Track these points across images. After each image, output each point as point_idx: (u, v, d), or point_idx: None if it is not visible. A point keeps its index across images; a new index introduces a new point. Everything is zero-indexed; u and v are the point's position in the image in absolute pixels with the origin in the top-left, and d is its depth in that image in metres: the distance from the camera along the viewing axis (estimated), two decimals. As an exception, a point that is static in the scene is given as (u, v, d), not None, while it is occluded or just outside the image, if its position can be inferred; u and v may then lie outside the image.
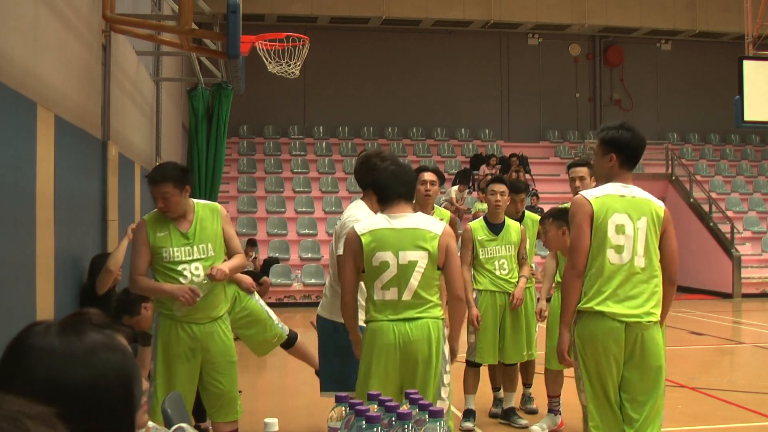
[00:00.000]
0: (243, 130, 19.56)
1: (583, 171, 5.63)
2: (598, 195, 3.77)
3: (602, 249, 3.69)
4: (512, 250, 5.98)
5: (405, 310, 3.70)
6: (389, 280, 3.70)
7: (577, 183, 5.58)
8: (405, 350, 3.68)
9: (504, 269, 5.91)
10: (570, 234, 3.85)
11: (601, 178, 3.92)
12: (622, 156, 3.82)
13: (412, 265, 3.69)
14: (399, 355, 3.68)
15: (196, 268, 4.35)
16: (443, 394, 3.72)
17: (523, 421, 6.02)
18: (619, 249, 3.69)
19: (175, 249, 4.34)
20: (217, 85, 11.19)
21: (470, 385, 5.96)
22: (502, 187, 5.98)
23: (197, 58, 10.82)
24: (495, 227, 5.96)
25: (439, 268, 3.77)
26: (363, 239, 3.74)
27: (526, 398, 6.48)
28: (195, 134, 11.29)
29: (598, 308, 3.67)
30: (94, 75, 6.87)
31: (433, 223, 3.83)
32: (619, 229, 3.70)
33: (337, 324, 4.31)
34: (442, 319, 3.82)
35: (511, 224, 6.02)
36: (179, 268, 4.34)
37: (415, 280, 3.69)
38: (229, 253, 4.50)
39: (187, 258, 4.35)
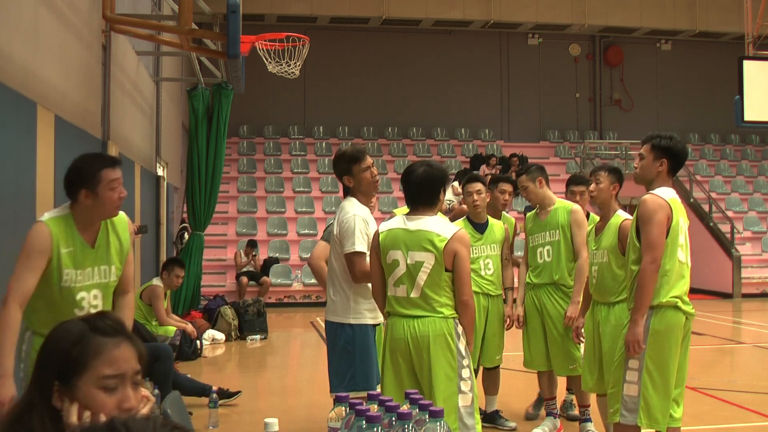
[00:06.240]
0: (243, 130, 19.56)
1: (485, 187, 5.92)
2: (670, 197, 4.16)
3: (674, 247, 4.09)
4: (497, 249, 5.90)
5: (413, 307, 3.88)
6: (399, 277, 3.90)
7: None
8: (414, 345, 3.86)
9: (489, 269, 5.83)
10: (648, 231, 4.10)
11: (643, 182, 4.26)
12: (672, 163, 4.22)
13: (419, 264, 3.85)
14: (407, 348, 3.87)
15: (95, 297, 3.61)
16: (464, 388, 3.86)
17: (511, 424, 5.96)
18: (682, 248, 4.14)
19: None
20: (217, 85, 11.19)
21: None
22: (477, 186, 5.83)
23: (197, 58, 10.82)
24: (479, 226, 5.87)
25: (448, 270, 3.88)
26: (380, 237, 3.98)
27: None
28: (195, 134, 11.29)
29: (678, 303, 4.07)
30: (94, 75, 6.87)
31: (445, 227, 3.93)
32: (681, 230, 4.15)
33: (344, 324, 4.34)
34: (454, 317, 3.90)
35: (495, 223, 5.95)
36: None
37: (421, 280, 3.85)
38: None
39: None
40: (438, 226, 3.91)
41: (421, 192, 3.96)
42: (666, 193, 4.14)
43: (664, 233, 4.05)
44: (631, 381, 4.05)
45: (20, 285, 3.29)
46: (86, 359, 1.71)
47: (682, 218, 4.15)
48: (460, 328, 3.91)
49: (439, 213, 4.15)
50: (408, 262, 3.86)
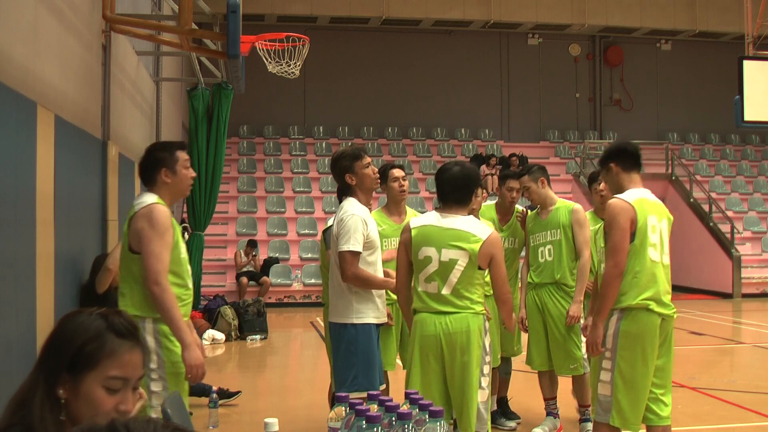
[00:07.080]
0: (243, 130, 19.55)
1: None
2: (636, 198, 4.11)
3: (644, 248, 4.04)
4: None
5: (444, 303, 3.94)
6: (431, 274, 3.96)
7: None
8: (445, 341, 3.91)
9: None
10: (610, 236, 4.09)
11: (616, 193, 4.26)
12: (619, 162, 4.22)
13: (453, 263, 3.92)
14: (439, 345, 3.92)
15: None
16: (483, 384, 3.95)
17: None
18: (654, 247, 4.07)
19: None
20: (217, 85, 11.18)
21: None
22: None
23: (197, 58, 10.81)
24: None
25: (481, 268, 3.95)
26: (413, 232, 4.03)
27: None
28: (195, 134, 11.28)
29: (650, 305, 4.02)
30: (94, 75, 6.86)
31: (479, 228, 4.00)
32: (653, 229, 4.08)
33: (346, 325, 4.34)
34: (483, 314, 3.99)
35: (488, 224, 5.95)
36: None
37: (454, 277, 3.92)
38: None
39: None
40: (472, 225, 3.99)
41: (455, 191, 4.04)
42: (631, 195, 4.13)
43: (626, 237, 4.02)
44: (604, 381, 4.11)
45: (164, 265, 3.57)
46: (99, 357, 1.77)
47: (654, 217, 4.10)
48: (487, 324, 4.01)
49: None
50: (441, 259, 3.92)
